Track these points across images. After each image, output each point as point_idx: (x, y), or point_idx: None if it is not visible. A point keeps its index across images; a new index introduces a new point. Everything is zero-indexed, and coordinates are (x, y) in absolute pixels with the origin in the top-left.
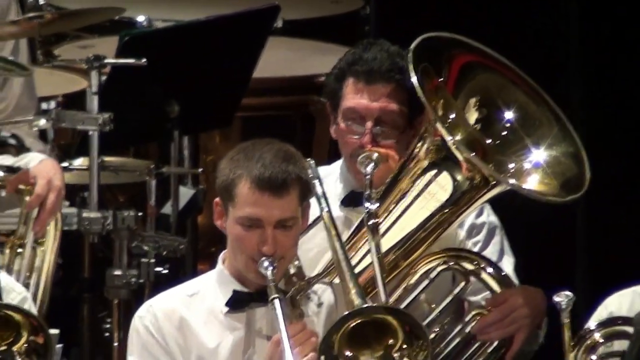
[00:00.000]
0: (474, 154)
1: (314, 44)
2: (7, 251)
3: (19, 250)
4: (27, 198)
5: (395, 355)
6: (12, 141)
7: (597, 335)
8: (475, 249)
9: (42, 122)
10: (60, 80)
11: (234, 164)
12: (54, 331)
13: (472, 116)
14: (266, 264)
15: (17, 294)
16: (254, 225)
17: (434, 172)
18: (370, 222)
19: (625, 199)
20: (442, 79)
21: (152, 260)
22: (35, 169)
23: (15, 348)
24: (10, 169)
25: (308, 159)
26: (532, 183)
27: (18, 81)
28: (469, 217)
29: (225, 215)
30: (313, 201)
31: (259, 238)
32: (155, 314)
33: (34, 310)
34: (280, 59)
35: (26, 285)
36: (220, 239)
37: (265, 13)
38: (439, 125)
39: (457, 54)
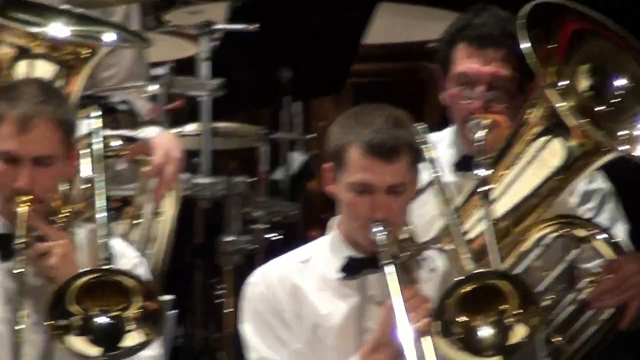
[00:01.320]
0: (585, 120)
1: (425, 9)
2: (125, 221)
3: (137, 220)
4: (145, 168)
5: (508, 320)
6: (123, 107)
7: None
8: (588, 216)
9: (153, 88)
10: (170, 46)
11: (344, 130)
12: (166, 297)
13: (583, 83)
14: (378, 229)
15: (129, 260)
16: (365, 191)
17: (545, 138)
18: (482, 189)
19: None
20: (553, 46)
21: (264, 226)
22: (154, 140)
23: (128, 313)
24: (129, 139)
25: (419, 124)
26: None
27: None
28: (581, 184)
29: (336, 180)
30: (425, 167)
31: (370, 204)
32: (267, 280)
33: (146, 276)
34: (391, 25)
35: (143, 256)
36: (331, 205)
37: None
38: (550, 92)
39: (568, 20)
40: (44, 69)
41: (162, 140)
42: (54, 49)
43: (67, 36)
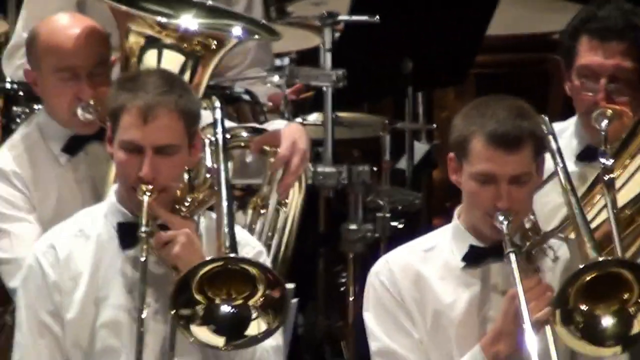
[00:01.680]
0: None
1: (550, 1)
2: (250, 211)
3: (262, 210)
4: (272, 159)
5: (631, 309)
6: (246, 97)
7: None
8: None
9: (276, 78)
10: (293, 36)
11: (468, 120)
12: (289, 285)
13: None
14: (501, 218)
15: (252, 248)
16: (488, 181)
17: None
18: (606, 178)
19: None
20: None
21: (387, 215)
22: (280, 131)
23: (251, 302)
24: (256, 130)
25: (542, 115)
26: None
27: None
28: None
29: (460, 170)
30: (548, 156)
31: (494, 193)
32: (391, 269)
33: (269, 264)
34: (515, 16)
35: (268, 247)
36: (454, 194)
37: None
38: None
39: None
40: (172, 60)
41: (289, 131)
42: (183, 40)
43: (198, 28)
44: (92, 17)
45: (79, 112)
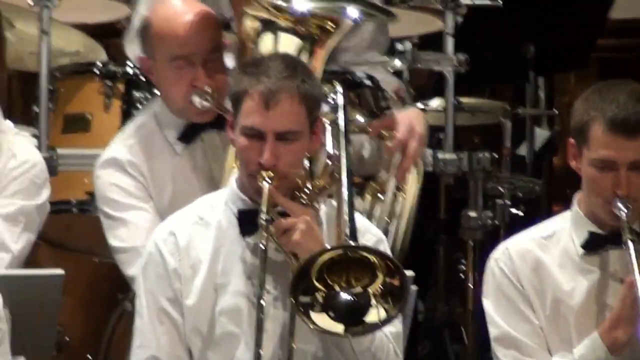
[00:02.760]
0: None
1: None
2: (369, 197)
3: (381, 196)
4: (389, 143)
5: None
6: (368, 82)
7: None
8: None
9: (397, 63)
10: (415, 20)
11: (588, 105)
12: (408, 273)
13: None
14: (620, 205)
15: (373, 236)
16: (607, 167)
17: None
18: None
19: None
20: None
21: (507, 202)
22: (398, 115)
23: (371, 290)
24: (374, 115)
25: None
26: None
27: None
28: None
29: (579, 156)
30: None
31: (613, 180)
32: (510, 255)
33: (389, 252)
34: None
35: (385, 232)
36: (575, 181)
37: None
38: None
39: None
40: (288, 43)
41: (406, 115)
42: (298, 23)
43: (313, 9)
44: (207, 1)
45: (196, 99)
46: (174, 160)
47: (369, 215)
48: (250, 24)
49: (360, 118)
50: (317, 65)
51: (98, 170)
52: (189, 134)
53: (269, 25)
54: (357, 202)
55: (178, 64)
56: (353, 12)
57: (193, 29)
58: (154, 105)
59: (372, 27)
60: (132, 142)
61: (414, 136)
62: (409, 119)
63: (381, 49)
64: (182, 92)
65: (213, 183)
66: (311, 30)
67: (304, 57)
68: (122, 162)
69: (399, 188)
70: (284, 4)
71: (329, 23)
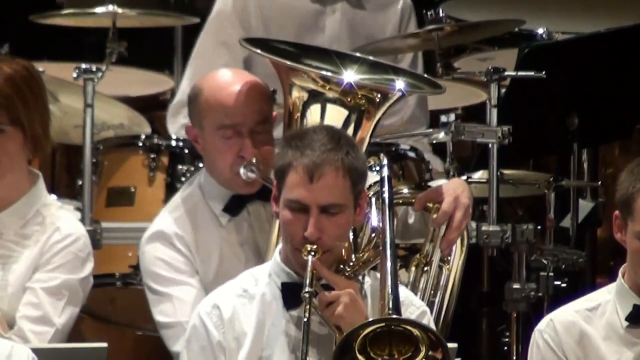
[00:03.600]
0: None
1: None
2: (413, 269)
3: (425, 268)
4: (435, 215)
5: None
6: (412, 154)
7: None
8: None
9: (442, 135)
10: (459, 92)
11: (633, 177)
12: (452, 345)
13: None
14: None
15: (416, 308)
16: None
17: None
18: None
19: None
20: None
21: (551, 274)
22: (443, 185)
23: None
24: (417, 187)
25: None
26: None
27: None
28: None
29: (624, 228)
30: None
31: None
32: (555, 327)
33: (432, 325)
34: None
35: (430, 304)
36: (619, 253)
37: None
38: None
39: None
40: (335, 114)
41: (451, 186)
42: (346, 94)
43: (361, 81)
44: (257, 73)
45: (242, 171)
46: (219, 232)
47: (413, 287)
48: (297, 95)
49: (405, 190)
50: (364, 136)
51: (144, 245)
52: (234, 206)
53: (316, 96)
54: (402, 274)
55: (225, 134)
56: (400, 84)
57: (241, 99)
58: (200, 177)
59: (413, 103)
60: (178, 215)
61: (459, 207)
62: (454, 190)
63: (421, 125)
64: (229, 162)
65: (259, 255)
66: (358, 102)
67: (351, 129)
68: (168, 235)
69: (443, 260)
70: (331, 76)
71: (377, 94)
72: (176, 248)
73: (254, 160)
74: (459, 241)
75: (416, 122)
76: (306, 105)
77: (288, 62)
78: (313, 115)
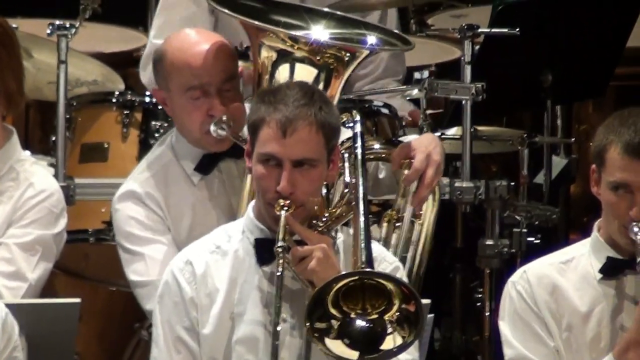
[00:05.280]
0: None
1: None
2: (385, 224)
3: (397, 224)
4: (406, 172)
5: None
6: (385, 110)
7: None
8: None
9: (415, 91)
10: (433, 49)
11: (607, 130)
12: (425, 301)
13: None
14: (636, 229)
15: (389, 264)
16: (623, 191)
17: None
18: None
19: None
20: None
21: (524, 230)
22: (414, 142)
23: (387, 316)
24: (389, 142)
25: None
26: None
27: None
28: None
29: (600, 181)
30: None
31: (629, 203)
32: (528, 279)
33: (405, 279)
34: None
35: (402, 259)
36: (593, 209)
37: None
38: None
39: None
40: (304, 73)
41: (424, 142)
42: (315, 53)
43: (330, 40)
44: (225, 24)
45: (212, 128)
46: (191, 191)
47: (386, 243)
48: (266, 55)
49: (377, 145)
50: (334, 94)
51: (116, 203)
52: (206, 165)
53: (284, 56)
54: (374, 229)
55: (193, 94)
56: (370, 40)
57: (207, 58)
58: (171, 137)
59: (387, 55)
60: (149, 175)
61: (431, 164)
62: (426, 147)
63: (397, 77)
64: (198, 121)
65: (231, 213)
66: (327, 60)
67: (320, 87)
68: (139, 194)
69: (415, 215)
70: (300, 35)
71: (346, 53)
72: (148, 207)
73: (224, 118)
74: (430, 197)
75: (392, 73)
76: (275, 64)
77: (256, 23)
78: (282, 74)
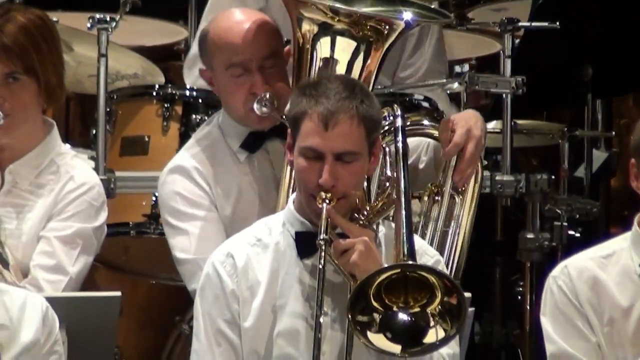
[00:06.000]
0: None
1: None
2: (425, 199)
3: (437, 198)
4: (446, 147)
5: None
6: (425, 104)
7: None
8: None
9: (455, 85)
10: (473, 43)
11: None
12: (466, 294)
13: None
14: None
15: (430, 257)
16: None
17: None
18: None
19: None
20: None
21: (565, 223)
22: (456, 116)
23: (429, 309)
24: (435, 118)
25: None
26: None
27: (430, 45)
28: None
29: (639, 176)
30: None
31: None
32: (569, 273)
33: (446, 273)
34: None
35: (443, 233)
36: (633, 203)
37: None
38: None
39: None
40: (344, 45)
41: (464, 117)
42: (354, 25)
43: (369, 12)
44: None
45: (255, 106)
46: (237, 168)
47: (426, 217)
48: (306, 28)
49: (426, 121)
50: (372, 68)
51: (164, 176)
52: (252, 142)
53: (325, 29)
54: (414, 203)
55: (235, 72)
56: (408, 14)
57: (247, 35)
58: (219, 115)
59: (430, 55)
60: (196, 151)
61: (471, 139)
62: (467, 122)
63: (439, 77)
64: (241, 99)
65: (277, 191)
66: (367, 33)
67: (360, 60)
68: (187, 169)
69: (457, 190)
70: (340, 7)
71: (385, 25)
72: (195, 181)
73: (267, 96)
74: (469, 187)
75: (434, 74)
76: (316, 37)
77: None
78: (323, 47)
